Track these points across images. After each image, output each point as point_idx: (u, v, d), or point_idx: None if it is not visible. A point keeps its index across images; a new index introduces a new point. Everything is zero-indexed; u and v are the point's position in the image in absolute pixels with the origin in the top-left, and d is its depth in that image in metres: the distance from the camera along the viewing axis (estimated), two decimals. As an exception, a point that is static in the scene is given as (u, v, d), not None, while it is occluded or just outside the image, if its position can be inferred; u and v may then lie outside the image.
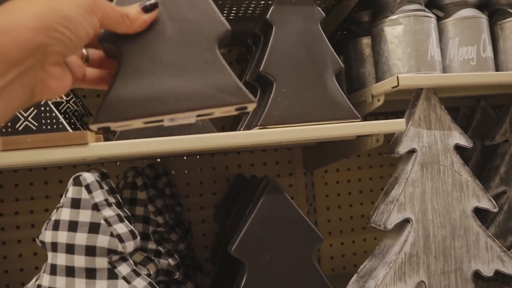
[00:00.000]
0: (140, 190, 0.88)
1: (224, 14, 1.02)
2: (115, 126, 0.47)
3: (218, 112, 0.49)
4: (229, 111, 0.49)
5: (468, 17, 0.87)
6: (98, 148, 0.65)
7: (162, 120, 0.49)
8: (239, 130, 0.84)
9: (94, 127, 0.46)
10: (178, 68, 0.49)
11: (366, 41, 0.94)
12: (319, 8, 0.80)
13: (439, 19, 0.89)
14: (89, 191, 0.65)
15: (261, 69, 0.75)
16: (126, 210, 0.76)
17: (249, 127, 0.80)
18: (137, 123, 0.48)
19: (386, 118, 1.33)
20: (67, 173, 1.03)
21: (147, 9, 0.46)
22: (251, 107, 0.48)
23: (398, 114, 1.34)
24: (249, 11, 1.01)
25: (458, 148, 0.87)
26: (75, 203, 0.64)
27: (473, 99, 1.18)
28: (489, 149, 1.12)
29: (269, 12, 0.77)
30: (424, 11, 0.84)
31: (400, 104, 0.99)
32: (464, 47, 0.86)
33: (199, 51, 0.49)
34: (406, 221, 0.81)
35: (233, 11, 1.00)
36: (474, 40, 0.87)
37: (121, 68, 0.48)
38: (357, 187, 1.30)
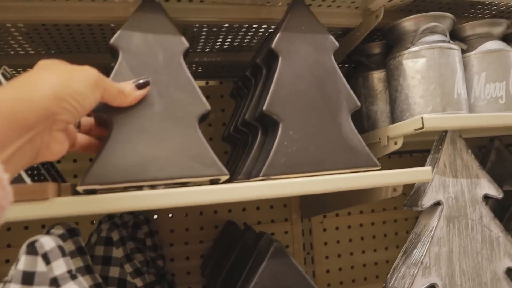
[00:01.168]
0: (116, 247, 0.74)
1: (218, 44, 0.90)
2: (100, 188, 0.52)
3: (193, 181, 0.56)
4: (204, 181, 0.56)
5: (495, 50, 0.77)
6: (61, 204, 0.51)
7: (142, 186, 0.54)
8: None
9: (81, 188, 0.51)
10: (162, 140, 0.55)
11: (378, 75, 0.83)
12: (332, 37, 0.68)
13: (462, 52, 0.79)
14: (47, 262, 0.51)
15: (264, 107, 0.63)
16: (97, 276, 0.61)
17: (248, 174, 0.67)
18: (120, 187, 0.53)
19: (389, 158, 1.22)
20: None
21: (140, 86, 0.54)
22: (223, 178, 0.57)
23: (402, 154, 1.23)
24: (246, 41, 0.89)
25: (487, 199, 0.76)
26: (28, 278, 0.50)
27: (485, 138, 1.08)
28: (507, 193, 1.01)
29: (275, 41, 0.65)
30: (449, 42, 0.74)
31: (411, 144, 0.89)
32: (492, 84, 0.76)
33: (182, 126, 0.57)
34: (432, 287, 0.69)
35: (228, 40, 0.88)
36: (502, 76, 0.77)
37: (111, 136, 0.54)
38: (359, 233, 1.17)
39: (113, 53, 0.60)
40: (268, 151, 0.63)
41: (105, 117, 0.55)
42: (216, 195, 0.56)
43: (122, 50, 0.59)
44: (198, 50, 0.93)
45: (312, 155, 0.63)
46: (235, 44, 0.91)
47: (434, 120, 0.68)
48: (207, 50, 0.94)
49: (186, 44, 0.61)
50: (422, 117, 0.67)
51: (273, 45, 0.65)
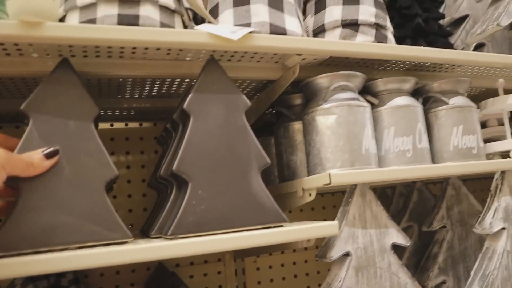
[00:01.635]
0: (31, 301, 0.73)
1: (145, 91, 0.92)
2: (7, 255, 0.52)
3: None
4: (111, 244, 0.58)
5: (404, 106, 0.82)
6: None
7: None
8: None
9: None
10: (70, 207, 0.57)
11: (298, 126, 0.86)
12: (245, 97, 0.71)
13: (374, 106, 0.84)
14: None
15: (174, 167, 0.65)
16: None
17: (161, 230, 0.69)
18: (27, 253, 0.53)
19: (322, 196, 1.26)
20: None
21: (49, 156, 0.55)
22: (130, 241, 0.60)
23: (335, 192, 1.27)
24: (173, 88, 0.91)
25: (396, 247, 0.80)
26: None
27: (410, 178, 1.13)
28: (427, 232, 1.06)
29: (187, 101, 0.68)
30: (358, 100, 0.78)
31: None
32: (400, 138, 0.81)
33: (90, 192, 0.59)
34: (341, 336, 0.72)
35: (155, 89, 0.90)
36: (410, 130, 0.81)
37: (19, 203, 0.55)
38: (292, 271, 1.20)
39: (24, 118, 0.61)
40: (178, 209, 0.64)
41: (13, 186, 0.56)
42: (121, 256, 0.57)
43: (32, 116, 0.60)
44: (127, 96, 0.95)
45: (221, 213, 0.65)
46: (163, 91, 0.93)
47: (341, 176, 0.71)
48: (136, 96, 0.95)
49: (96, 110, 0.62)
50: (329, 173, 0.70)
51: (185, 106, 0.68)
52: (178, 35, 0.67)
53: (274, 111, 1.01)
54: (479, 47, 1.27)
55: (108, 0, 0.66)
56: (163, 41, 0.66)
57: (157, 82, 0.86)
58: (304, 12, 0.91)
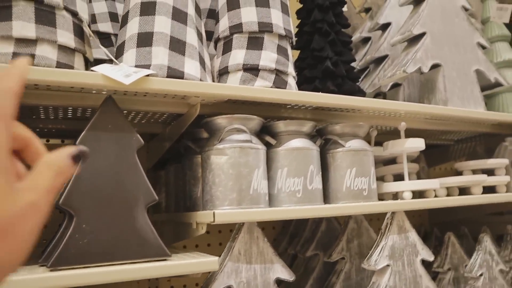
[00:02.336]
0: None
1: (60, 115, 0.94)
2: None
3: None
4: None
5: (298, 148, 0.88)
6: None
7: None
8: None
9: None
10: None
11: (201, 159, 0.91)
12: (139, 136, 0.75)
13: (271, 146, 0.89)
14: None
15: (60, 201, 0.68)
16: None
17: (47, 259, 0.72)
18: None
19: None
20: None
21: (77, 159, 0.39)
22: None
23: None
24: (87, 114, 0.94)
25: (280, 282, 0.85)
26: None
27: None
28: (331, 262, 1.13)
29: (79, 139, 0.71)
30: (251, 142, 0.83)
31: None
32: (291, 178, 0.86)
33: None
34: None
35: (69, 112, 0.93)
36: (301, 171, 0.87)
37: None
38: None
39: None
40: (61, 242, 0.68)
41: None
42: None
43: None
44: (42, 117, 0.97)
45: (104, 247, 0.69)
46: (78, 114, 0.96)
47: (226, 215, 0.76)
48: (51, 118, 0.98)
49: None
50: (214, 212, 0.75)
51: (77, 142, 0.71)
52: (72, 76, 0.70)
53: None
54: (396, 85, 1.35)
55: (5, 38, 0.69)
56: (56, 81, 0.69)
57: (69, 109, 0.89)
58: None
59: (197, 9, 0.89)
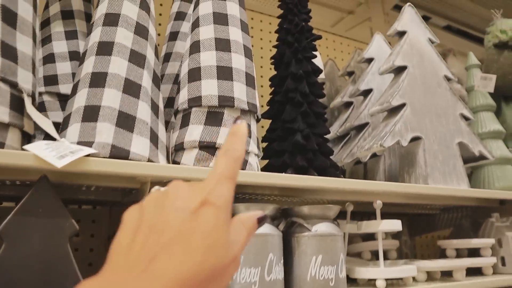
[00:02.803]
0: None
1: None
2: None
3: None
4: None
5: (256, 234, 0.80)
6: None
7: None
8: None
9: None
10: None
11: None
12: (73, 222, 0.68)
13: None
14: None
15: (-29, 299, 0.60)
16: None
17: None
18: None
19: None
20: None
21: (261, 221, 0.41)
22: None
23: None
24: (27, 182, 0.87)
25: None
26: None
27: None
28: None
29: (2, 225, 0.64)
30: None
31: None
32: (248, 269, 0.78)
33: None
34: None
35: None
36: (259, 261, 0.79)
37: None
38: None
39: None
40: None
41: None
42: None
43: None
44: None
45: None
46: (27, 183, 0.89)
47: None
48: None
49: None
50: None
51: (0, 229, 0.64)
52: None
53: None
54: (376, 154, 1.28)
55: None
56: (-19, 161, 0.63)
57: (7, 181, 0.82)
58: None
59: (155, 79, 0.83)
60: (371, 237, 1.21)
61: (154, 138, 0.77)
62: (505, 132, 1.42)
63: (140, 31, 0.80)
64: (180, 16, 1.13)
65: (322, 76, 1.38)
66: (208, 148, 0.81)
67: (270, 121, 1.06)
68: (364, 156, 1.16)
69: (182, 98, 0.86)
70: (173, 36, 1.11)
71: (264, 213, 0.41)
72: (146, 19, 0.82)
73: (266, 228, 0.82)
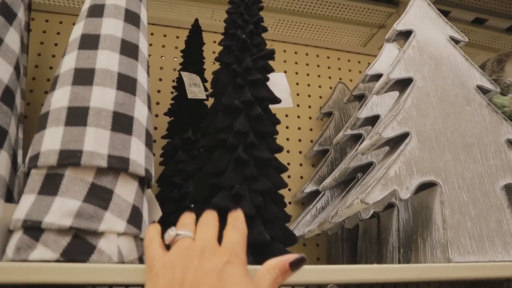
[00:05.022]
0: None
1: None
2: None
3: None
4: None
5: None
6: None
7: None
8: None
9: None
10: None
11: None
12: None
13: None
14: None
15: None
16: None
17: None
18: None
19: None
20: None
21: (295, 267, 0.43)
22: None
23: None
24: None
25: None
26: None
27: None
28: None
29: None
30: None
31: None
32: None
33: None
34: None
35: None
36: None
37: None
38: None
39: None
40: None
41: None
42: None
43: None
44: None
45: None
46: None
47: None
48: None
49: None
50: None
51: None
52: None
53: None
54: (390, 206, 0.90)
55: None
56: None
57: None
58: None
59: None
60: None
61: None
62: None
63: None
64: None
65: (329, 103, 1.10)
66: (33, 230, 0.52)
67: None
68: (345, 216, 0.79)
69: (27, 158, 0.59)
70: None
71: (300, 255, 0.43)
72: None
73: None
